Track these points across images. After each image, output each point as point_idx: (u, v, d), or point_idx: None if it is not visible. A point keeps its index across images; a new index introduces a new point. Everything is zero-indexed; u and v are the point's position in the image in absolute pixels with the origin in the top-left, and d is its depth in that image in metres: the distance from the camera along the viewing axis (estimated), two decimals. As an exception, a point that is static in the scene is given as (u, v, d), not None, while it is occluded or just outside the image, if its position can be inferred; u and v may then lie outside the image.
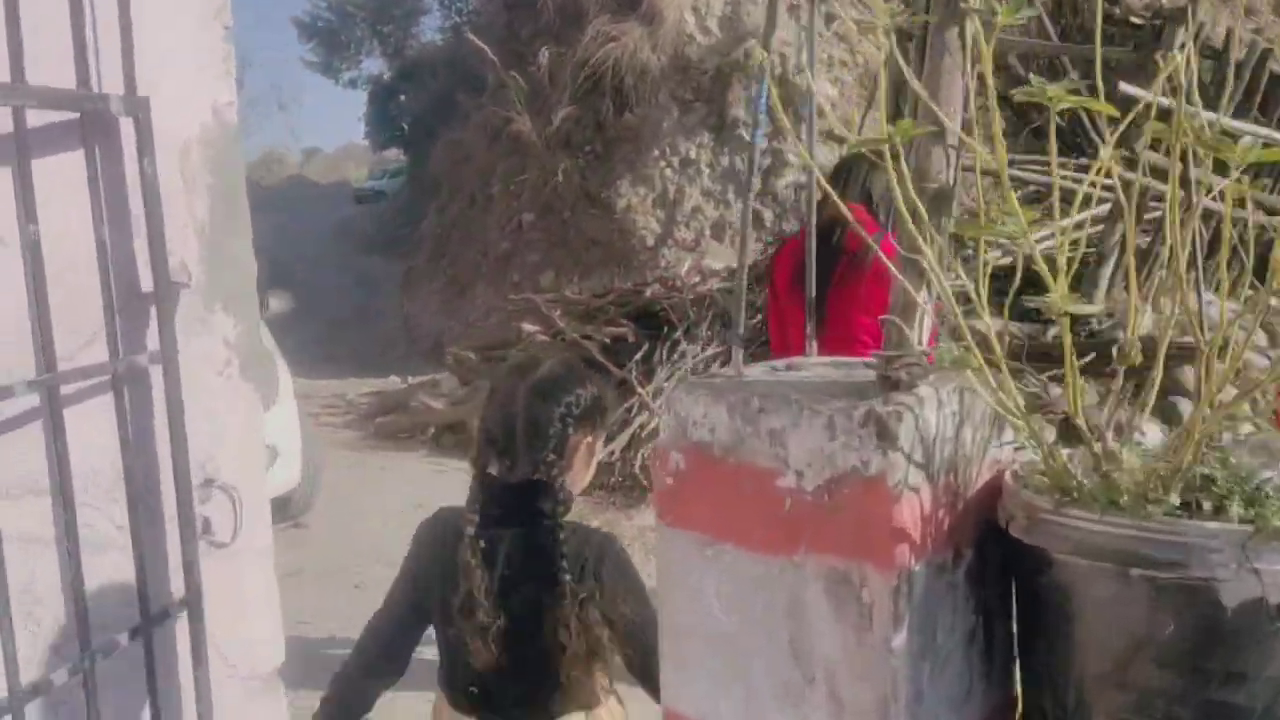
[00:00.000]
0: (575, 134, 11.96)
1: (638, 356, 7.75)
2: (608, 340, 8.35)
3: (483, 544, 1.71)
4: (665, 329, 7.87)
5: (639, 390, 7.00)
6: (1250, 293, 8.25)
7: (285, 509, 5.42)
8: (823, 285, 3.01)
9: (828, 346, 2.95)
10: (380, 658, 1.89)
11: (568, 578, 1.67)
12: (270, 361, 5.07)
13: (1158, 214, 7.41)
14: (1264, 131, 7.16)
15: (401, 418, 8.53)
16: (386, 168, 34.86)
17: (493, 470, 1.75)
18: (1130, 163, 7.04)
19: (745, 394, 0.99)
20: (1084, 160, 9.74)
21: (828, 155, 11.58)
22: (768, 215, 11.54)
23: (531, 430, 1.70)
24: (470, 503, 1.76)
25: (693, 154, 11.60)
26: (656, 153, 11.61)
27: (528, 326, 9.43)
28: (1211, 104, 6.61)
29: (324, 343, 15.20)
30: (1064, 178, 9.02)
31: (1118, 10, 9.07)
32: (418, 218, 18.27)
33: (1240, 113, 7.17)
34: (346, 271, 21.83)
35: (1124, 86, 6.69)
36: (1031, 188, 9.55)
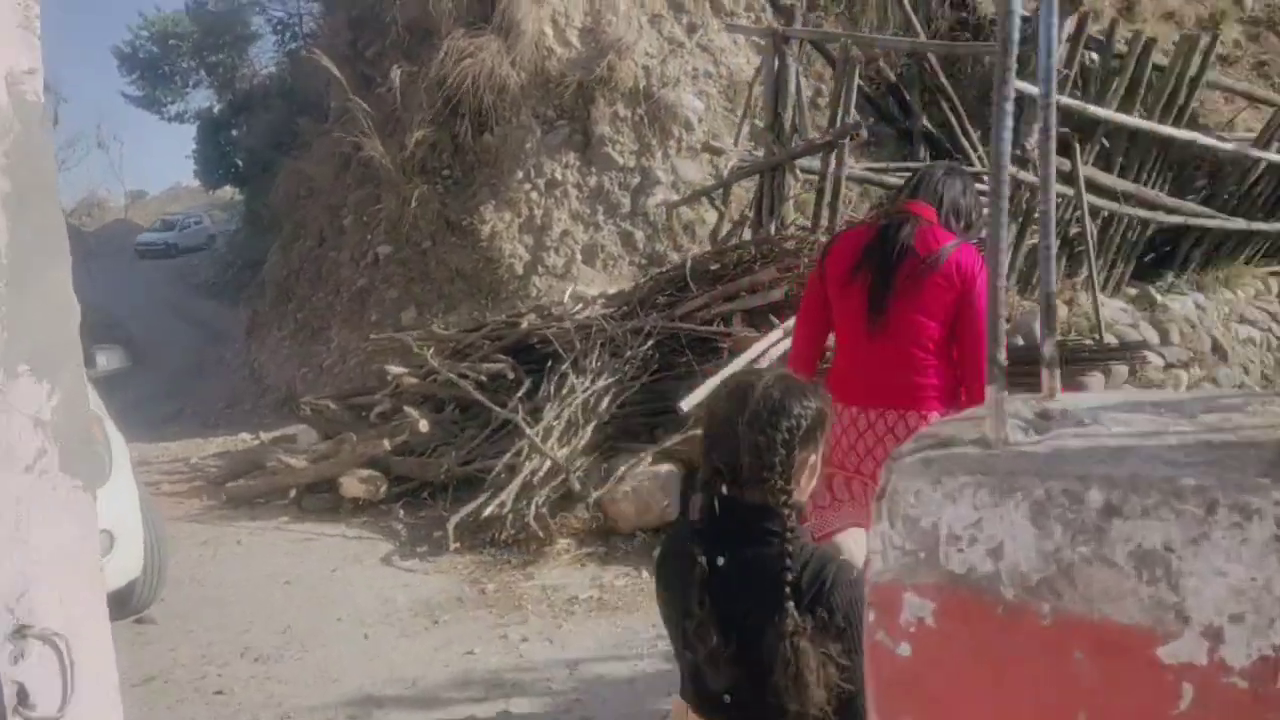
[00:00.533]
0: (432, 158, 11.36)
1: (520, 394, 7.21)
2: (484, 378, 7.77)
3: (714, 567, 1.73)
4: (549, 362, 7.36)
5: (527, 432, 6.46)
6: (1133, 291, 8.36)
7: (126, 604, 4.64)
8: (885, 284, 2.95)
9: (887, 349, 3.01)
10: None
11: (791, 604, 1.66)
12: (100, 429, 4.32)
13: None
14: (1147, 124, 7.23)
15: (257, 480, 7.71)
16: (166, 218, 33.15)
17: (722, 492, 1.77)
18: (1022, 161, 6.99)
19: (1071, 477, 0.53)
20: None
21: (697, 171, 11.34)
22: (639, 237, 11.19)
23: (756, 461, 1.71)
24: (702, 526, 1.78)
25: (559, 175, 11.17)
26: (520, 175, 11.13)
27: (393, 369, 8.76)
28: (1097, 97, 6.51)
29: (161, 401, 14.03)
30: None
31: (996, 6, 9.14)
32: (260, 258, 17.20)
33: (1125, 106, 7.20)
34: (184, 321, 20.42)
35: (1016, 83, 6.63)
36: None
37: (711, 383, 6.34)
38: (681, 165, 11.38)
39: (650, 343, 7.37)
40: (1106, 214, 7.21)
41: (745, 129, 9.21)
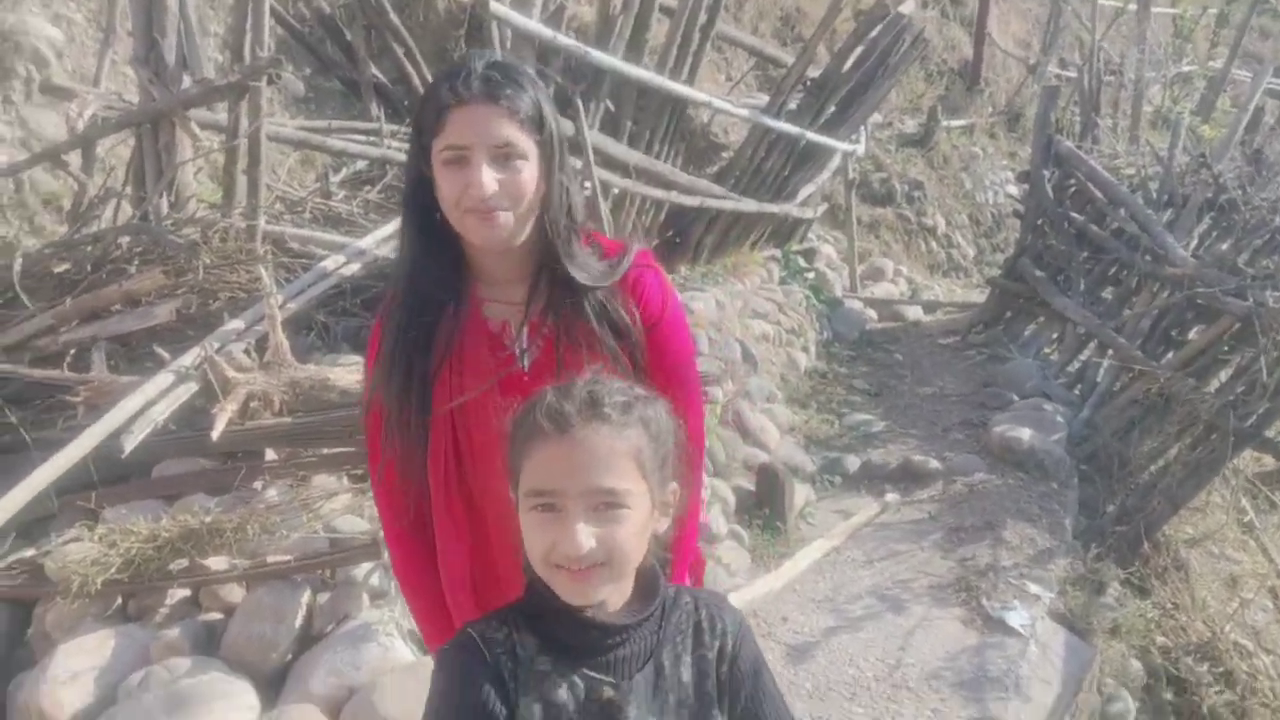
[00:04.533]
0: None
1: None
2: None
3: None
4: None
5: None
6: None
7: None
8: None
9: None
10: None
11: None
12: None
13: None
14: (661, 80, 5.95)
15: None
16: None
17: None
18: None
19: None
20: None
21: (58, 124, 8.32)
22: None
23: None
24: None
25: None
26: None
27: None
28: (598, 40, 4.81)
29: None
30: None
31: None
32: None
33: (633, 51, 5.80)
34: None
35: (496, 7, 4.90)
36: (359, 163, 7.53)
37: (43, 475, 3.84)
38: (34, 116, 8.24)
39: (-52, 395, 4.61)
40: (617, 192, 5.82)
41: (110, 62, 6.56)
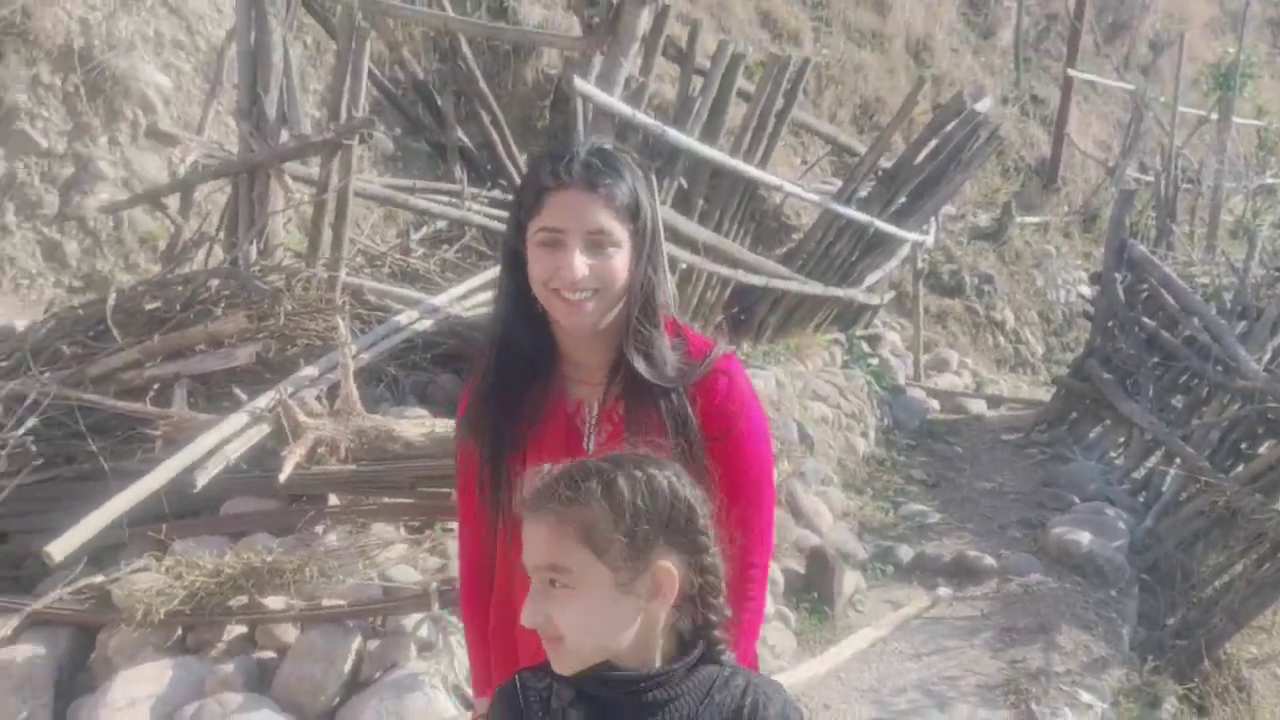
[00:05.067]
0: None
1: None
2: None
3: None
4: None
5: None
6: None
7: None
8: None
9: None
10: None
11: None
12: None
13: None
14: (735, 163, 6.09)
15: None
16: None
17: None
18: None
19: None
20: (499, 193, 8.24)
21: (160, 166, 8.67)
22: (71, 249, 8.27)
23: None
24: None
25: (-62, 155, 7.89)
26: None
27: None
28: (675, 120, 4.94)
29: None
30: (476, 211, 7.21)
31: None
32: None
33: (709, 133, 5.95)
34: None
35: (580, 84, 5.08)
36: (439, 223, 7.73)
37: (119, 504, 3.99)
38: (138, 158, 8.62)
39: (35, 419, 4.81)
40: (684, 268, 5.93)
41: (214, 112, 6.87)
